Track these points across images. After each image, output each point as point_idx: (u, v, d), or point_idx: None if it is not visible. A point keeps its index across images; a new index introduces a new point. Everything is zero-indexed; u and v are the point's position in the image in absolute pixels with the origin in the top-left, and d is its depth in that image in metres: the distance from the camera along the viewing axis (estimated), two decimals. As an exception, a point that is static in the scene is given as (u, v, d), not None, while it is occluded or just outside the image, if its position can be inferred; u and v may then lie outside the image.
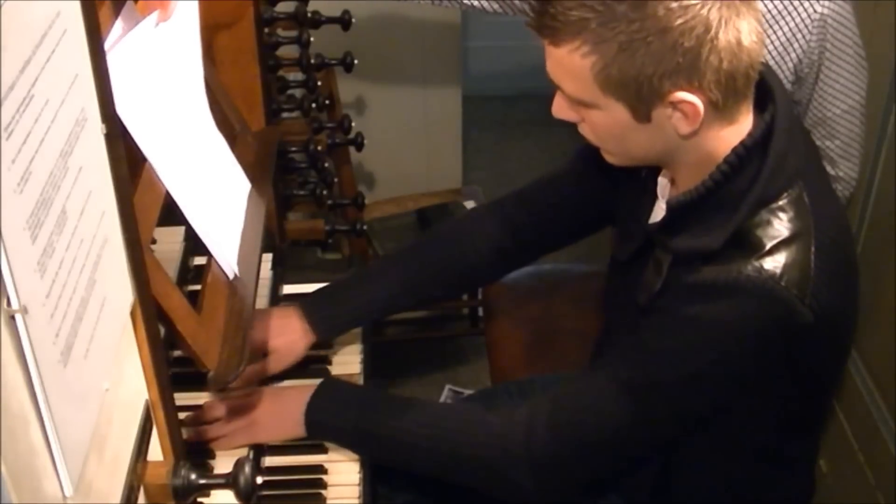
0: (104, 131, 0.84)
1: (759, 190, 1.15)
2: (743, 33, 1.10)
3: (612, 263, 1.46)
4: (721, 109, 1.13)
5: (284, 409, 1.40)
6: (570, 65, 1.13)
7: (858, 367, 2.08)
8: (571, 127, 1.24)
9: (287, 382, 1.54)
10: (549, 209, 1.54)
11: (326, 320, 1.52)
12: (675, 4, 1.07)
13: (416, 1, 1.98)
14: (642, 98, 1.12)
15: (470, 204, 2.90)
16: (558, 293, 2.13)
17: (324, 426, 1.39)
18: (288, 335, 1.50)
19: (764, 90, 1.20)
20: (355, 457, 1.43)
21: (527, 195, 1.57)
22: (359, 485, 1.39)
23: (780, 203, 1.16)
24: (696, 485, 1.39)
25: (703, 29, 1.07)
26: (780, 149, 1.16)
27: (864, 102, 1.80)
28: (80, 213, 0.78)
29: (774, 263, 1.13)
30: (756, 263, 1.13)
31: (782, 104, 1.19)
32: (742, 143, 1.17)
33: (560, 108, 1.22)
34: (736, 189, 1.17)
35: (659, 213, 1.29)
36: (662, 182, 1.31)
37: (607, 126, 1.18)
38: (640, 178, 1.34)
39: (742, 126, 1.17)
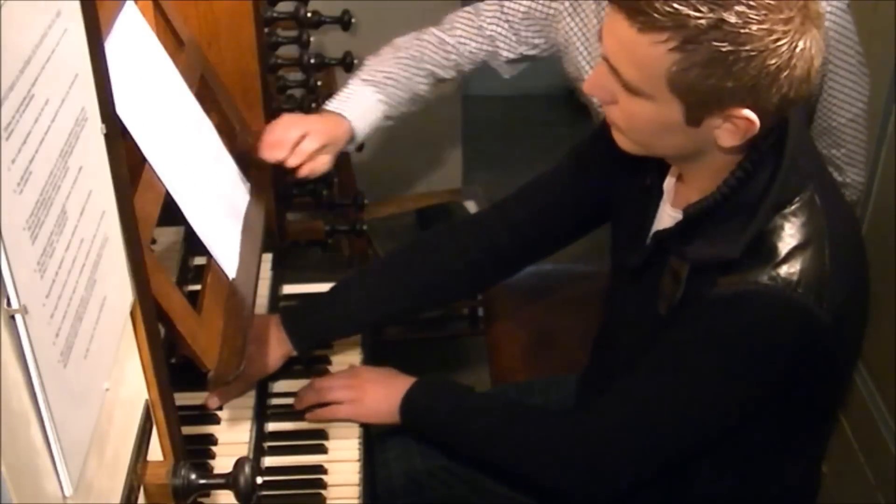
0: (104, 131, 0.84)
1: (775, 194, 1.15)
2: (814, 66, 1.09)
3: (616, 268, 1.45)
4: (761, 128, 1.12)
5: (387, 395, 1.46)
6: (645, 54, 1.09)
7: (858, 367, 2.07)
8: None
9: (287, 382, 1.54)
10: (543, 211, 1.53)
11: (304, 331, 1.51)
12: (778, 27, 1.05)
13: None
14: (705, 105, 1.10)
15: (470, 204, 2.90)
16: (558, 293, 2.13)
17: (415, 419, 1.45)
18: (263, 345, 1.49)
19: None
20: (355, 457, 1.43)
21: (515, 200, 1.56)
22: (359, 485, 1.39)
23: (793, 208, 1.16)
24: (712, 479, 1.40)
25: (789, 56, 1.06)
26: (793, 151, 1.17)
27: (867, 108, 1.80)
28: (80, 213, 0.78)
29: (790, 270, 1.13)
30: (773, 272, 1.13)
31: (793, 111, 1.19)
32: (755, 147, 1.16)
33: (597, 86, 1.18)
34: (751, 193, 1.17)
35: (665, 218, 1.29)
36: (669, 183, 1.30)
37: (650, 119, 1.15)
38: (644, 185, 1.33)
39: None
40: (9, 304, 0.65)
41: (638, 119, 1.16)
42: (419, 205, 2.89)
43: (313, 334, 1.53)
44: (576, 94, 1.89)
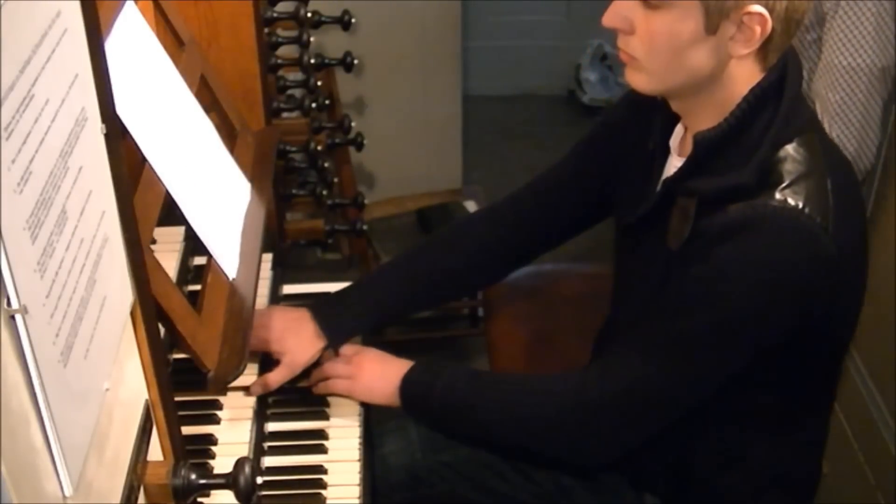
0: (104, 131, 0.84)
1: (777, 128, 1.21)
2: None
3: (621, 237, 1.47)
4: (767, 46, 1.19)
5: (385, 375, 1.48)
6: None
7: (858, 367, 2.08)
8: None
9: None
10: (550, 204, 1.58)
11: (336, 325, 1.54)
12: None
13: None
14: (723, 6, 1.15)
15: (470, 204, 2.90)
16: (558, 293, 2.13)
17: (414, 396, 1.45)
18: (303, 336, 1.51)
19: None
20: (355, 457, 1.43)
21: (525, 194, 1.60)
22: (359, 485, 1.39)
23: (795, 143, 1.22)
24: (713, 466, 1.41)
25: None
26: (793, 92, 1.22)
27: (880, 77, 1.81)
28: (80, 213, 0.78)
29: (796, 194, 1.18)
30: (779, 195, 1.18)
31: (792, 56, 1.25)
32: (759, 84, 1.22)
33: (615, 15, 1.22)
34: (755, 129, 1.22)
35: (672, 170, 1.32)
36: (676, 136, 1.34)
37: (670, 34, 1.19)
38: (647, 150, 1.36)
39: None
40: (9, 304, 0.65)
41: (658, 38, 1.20)
42: (419, 205, 2.90)
43: (346, 329, 1.56)
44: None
